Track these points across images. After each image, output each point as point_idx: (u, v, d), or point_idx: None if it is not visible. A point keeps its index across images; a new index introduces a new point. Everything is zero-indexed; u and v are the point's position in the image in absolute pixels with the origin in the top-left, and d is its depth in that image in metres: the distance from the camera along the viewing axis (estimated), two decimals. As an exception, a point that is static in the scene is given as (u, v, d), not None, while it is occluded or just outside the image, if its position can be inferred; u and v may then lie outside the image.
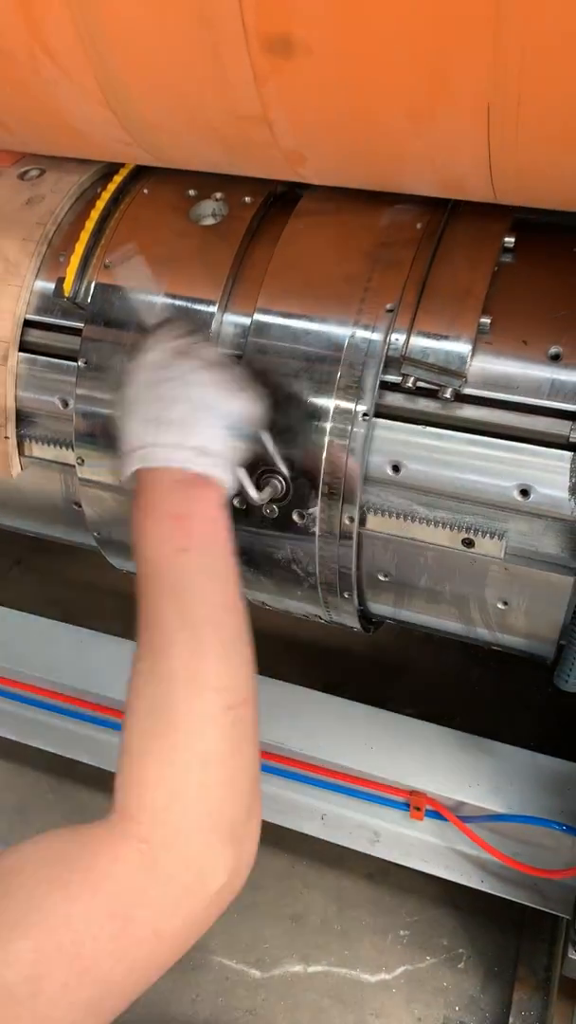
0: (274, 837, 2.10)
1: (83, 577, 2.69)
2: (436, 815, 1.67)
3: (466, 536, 1.16)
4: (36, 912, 0.71)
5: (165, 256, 1.23)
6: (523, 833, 1.61)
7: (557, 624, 1.21)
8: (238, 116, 0.96)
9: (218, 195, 1.25)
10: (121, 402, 0.99)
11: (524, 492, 1.12)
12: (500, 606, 1.22)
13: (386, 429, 1.17)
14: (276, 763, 1.73)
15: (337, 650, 2.57)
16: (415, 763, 1.64)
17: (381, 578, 1.26)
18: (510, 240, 1.16)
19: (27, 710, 1.98)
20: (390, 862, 1.84)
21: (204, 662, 0.85)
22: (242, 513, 1.22)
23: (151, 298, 1.18)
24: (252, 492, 1.10)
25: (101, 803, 2.20)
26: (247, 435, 1.00)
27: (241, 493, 1.09)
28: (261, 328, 1.19)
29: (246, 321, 1.21)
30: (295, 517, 1.20)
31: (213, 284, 1.21)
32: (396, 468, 1.17)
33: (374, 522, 1.19)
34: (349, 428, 1.14)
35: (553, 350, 1.10)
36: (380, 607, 1.33)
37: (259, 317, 1.19)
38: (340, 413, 1.14)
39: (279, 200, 1.28)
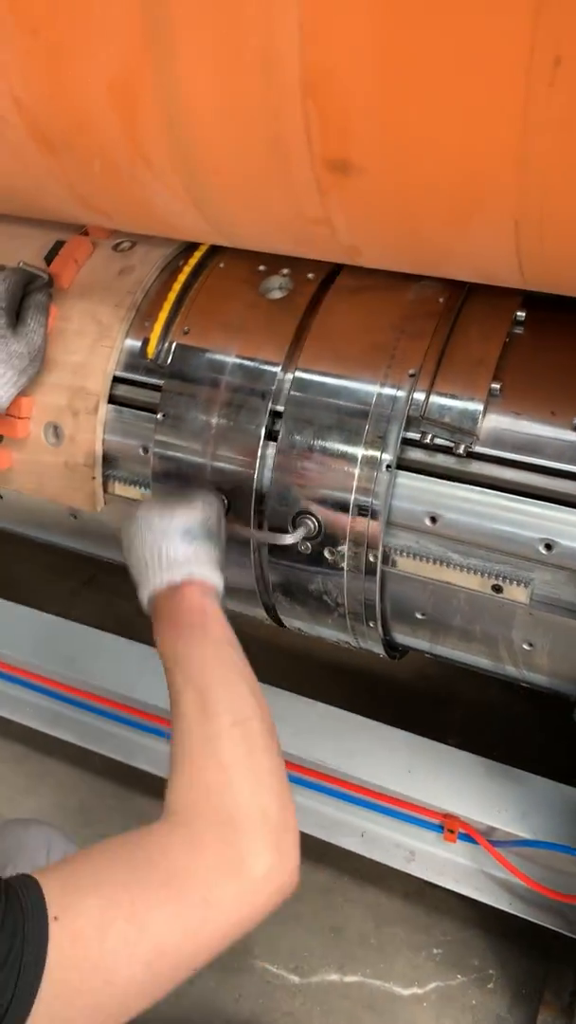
0: (318, 852, 2.23)
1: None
2: (468, 838, 1.78)
3: (495, 583, 1.29)
4: (102, 877, 0.89)
5: (237, 325, 1.40)
6: (549, 859, 1.71)
7: (578, 665, 1.33)
8: (304, 218, 1.12)
9: (285, 271, 1.41)
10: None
11: (548, 546, 1.25)
12: (526, 647, 1.35)
13: (427, 482, 1.32)
14: (319, 780, 1.87)
15: (386, 679, 2.70)
16: (449, 788, 1.76)
17: (418, 616, 1.40)
18: (521, 314, 1.31)
19: (93, 718, 2.16)
20: (426, 883, 1.95)
21: (208, 695, 1.07)
22: (280, 550, 1.38)
23: None
24: (285, 539, 1.34)
25: (160, 810, 2.38)
26: (204, 535, 1.22)
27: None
28: (302, 384, 1.36)
29: (307, 379, 1.37)
30: (326, 554, 1.36)
31: (277, 350, 1.37)
32: (433, 519, 1.31)
33: (411, 565, 1.34)
34: (375, 475, 1.30)
35: (577, 420, 1.23)
36: (412, 640, 1.47)
37: (300, 375, 1.36)
38: (367, 462, 1.30)
39: (339, 274, 1.44)
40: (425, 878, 1.92)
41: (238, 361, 1.39)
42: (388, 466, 1.29)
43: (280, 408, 1.37)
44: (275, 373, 1.37)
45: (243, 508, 1.39)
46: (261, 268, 1.44)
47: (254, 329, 1.40)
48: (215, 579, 1.20)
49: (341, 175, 1.03)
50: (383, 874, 2.12)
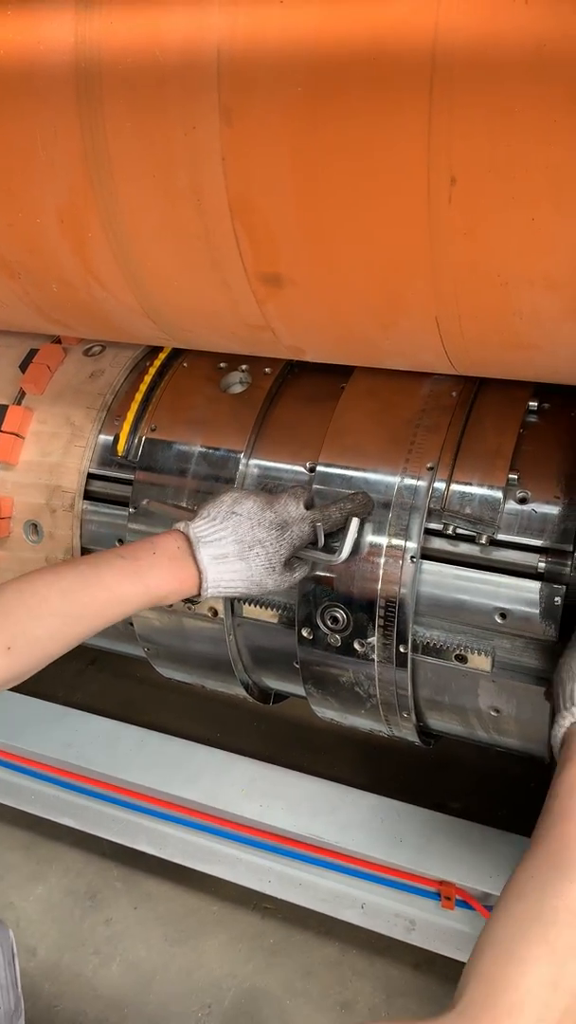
0: (326, 925, 2.23)
1: (150, 675, 2.92)
2: (466, 905, 1.79)
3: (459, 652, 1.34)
4: None
5: (200, 419, 1.48)
6: (547, 923, 1.71)
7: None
8: (248, 325, 1.21)
9: (243, 367, 1.50)
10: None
11: (503, 615, 1.29)
12: (492, 713, 1.38)
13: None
14: (317, 854, 1.89)
15: (387, 747, 2.71)
16: (441, 855, 1.77)
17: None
18: (534, 404, 1.33)
19: (95, 803, 2.18)
20: (436, 953, 1.94)
21: None
22: (310, 642, 1.39)
23: None
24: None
25: (166, 892, 2.39)
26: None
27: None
28: (325, 478, 1.36)
29: (267, 465, 1.44)
30: (356, 646, 1.36)
31: (239, 440, 1.45)
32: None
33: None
34: (401, 565, 1.31)
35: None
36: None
37: (322, 469, 1.37)
38: (392, 555, 1.31)
39: (296, 366, 1.52)
40: (428, 948, 1.91)
41: (203, 451, 1.47)
42: (413, 557, 1.30)
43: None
44: (239, 460, 1.44)
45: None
46: (221, 365, 1.52)
47: (218, 422, 1.47)
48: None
49: (274, 287, 1.12)
50: (391, 944, 2.11)
